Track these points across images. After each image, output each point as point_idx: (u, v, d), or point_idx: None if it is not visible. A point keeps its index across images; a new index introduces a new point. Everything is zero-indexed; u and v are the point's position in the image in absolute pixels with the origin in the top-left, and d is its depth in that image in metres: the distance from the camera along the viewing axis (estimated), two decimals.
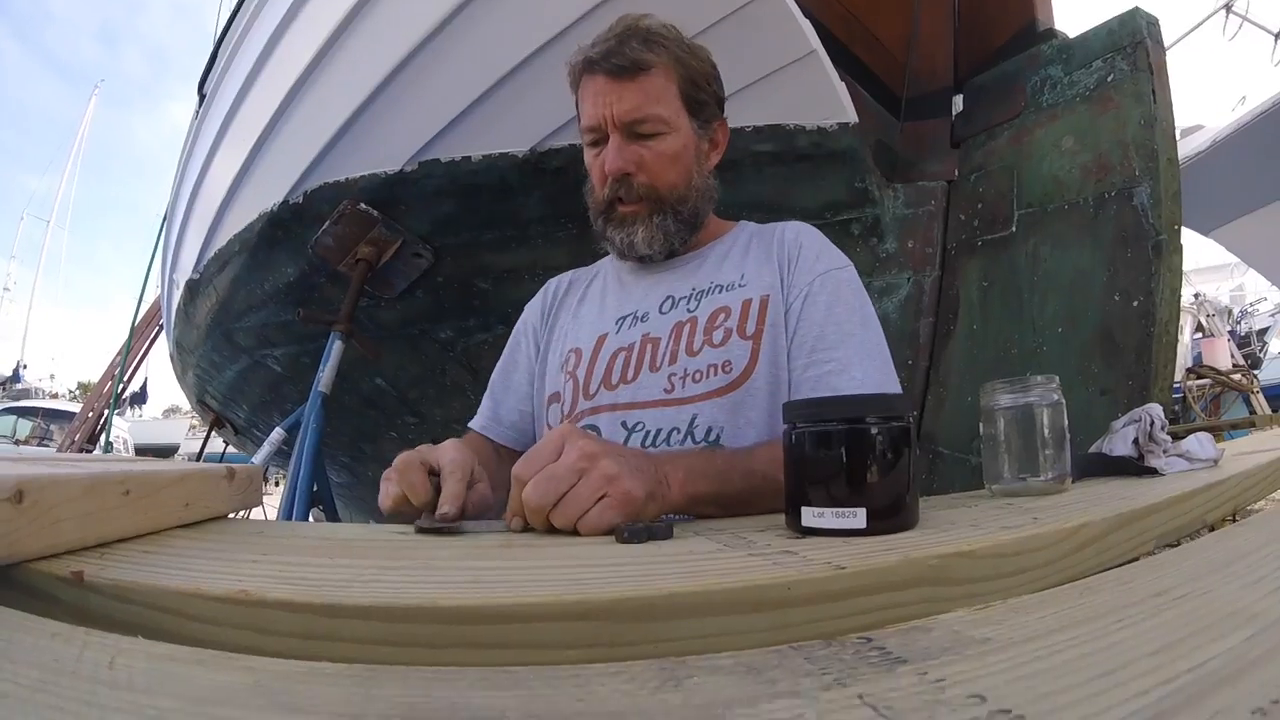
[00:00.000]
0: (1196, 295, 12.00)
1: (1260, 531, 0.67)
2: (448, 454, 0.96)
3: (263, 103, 3.30)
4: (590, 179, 1.35)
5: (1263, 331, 17.00)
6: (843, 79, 2.36)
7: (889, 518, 0.72)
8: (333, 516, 2.98)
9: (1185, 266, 1.97)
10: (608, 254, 1.52)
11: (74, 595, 0.51)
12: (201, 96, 4.27)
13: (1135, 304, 1.83)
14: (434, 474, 0.96)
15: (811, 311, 1.26)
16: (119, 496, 0.66)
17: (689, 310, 1.30)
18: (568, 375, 1.34)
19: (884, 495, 0.73)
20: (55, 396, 22.88)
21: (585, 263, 1.68)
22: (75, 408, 15.07)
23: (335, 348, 3.09)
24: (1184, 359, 8.32)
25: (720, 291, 1.31)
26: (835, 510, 0.71)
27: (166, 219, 5.27)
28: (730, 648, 0.44)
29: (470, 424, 1.48)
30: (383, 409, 4.06)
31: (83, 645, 0.39)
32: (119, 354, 7.84)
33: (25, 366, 25.73)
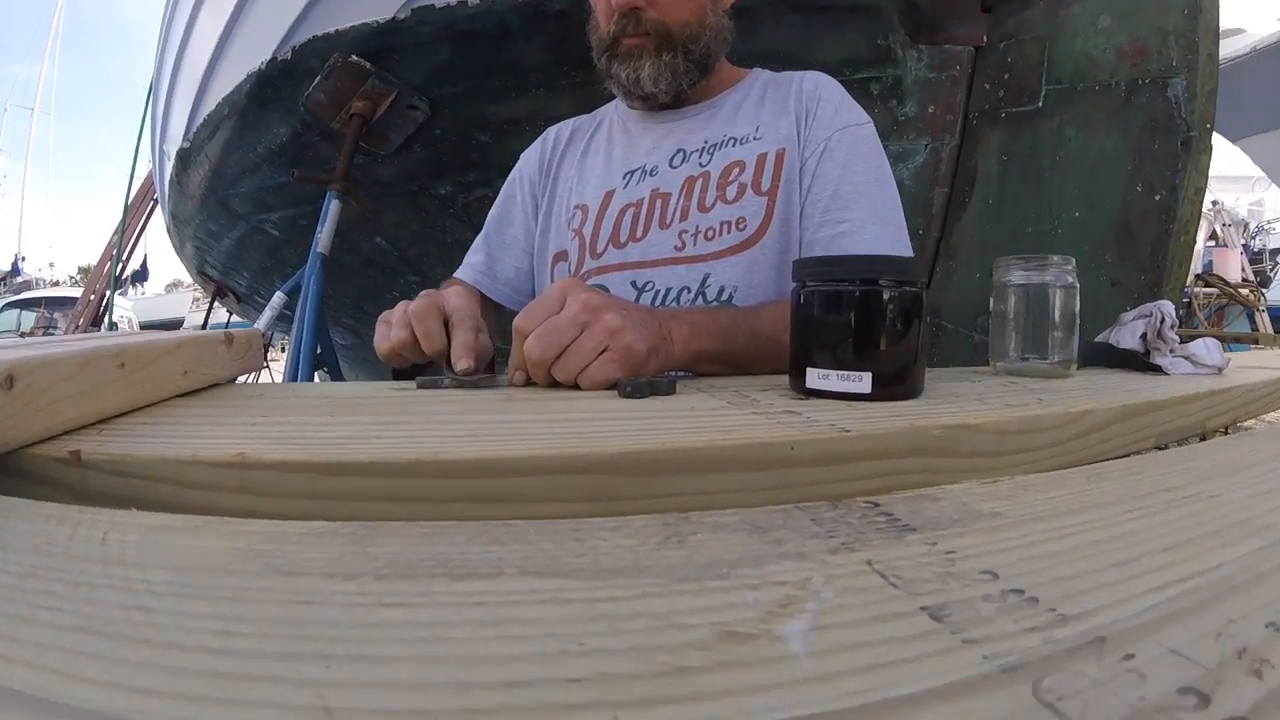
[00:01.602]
0: (1215, 202, 11.74)
1: (1270, 443, 0.67)
2: (453, 301, 0.95)
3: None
4: (595, 14, 1.28)
5: (1276, 251, 16.74)
6: None
7: (894, 384, 0.71)
8: (337, 377, 3.01)
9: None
10: (611, 100, 1.45)
11: (73, 476, 0.50)
12: None
13: (1157, 198, 1.78)
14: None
15: (828, 168, 1.22)
16: (114, 370, 0.65)
17: (701, 164, 1.25)
18: (574, 233, 1.31)
19: (891, 361, 0.72)
20: (56, 284, 22.78)
21: (589, 109, 1.59)
22: (76, 292, 14.91)
23: (332, 207, 3.04)
24: (1195, 264, 8.25)
25: (734, 145, 1.26)
26: (840, 373, 0.71)
27: (152, 89, 5.12)
28: (733, 505, 0.44)
29: (459, 274, 1.44)
30: (384, 268, 4.04)
31: (76, 524, 0.38)
32: (115, 233, 7.73)
33: (24, 259, 25.60)
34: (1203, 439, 0.86)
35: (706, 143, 1.27)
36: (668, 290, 1.20)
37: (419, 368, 0.97)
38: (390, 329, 0.95)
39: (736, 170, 1.23)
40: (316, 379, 2.98)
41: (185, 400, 0.77)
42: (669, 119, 1.32)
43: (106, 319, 7.92)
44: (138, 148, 6.26)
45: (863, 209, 1.20)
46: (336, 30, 2.88)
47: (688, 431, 0.54)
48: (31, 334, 15.51)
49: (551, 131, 1.49)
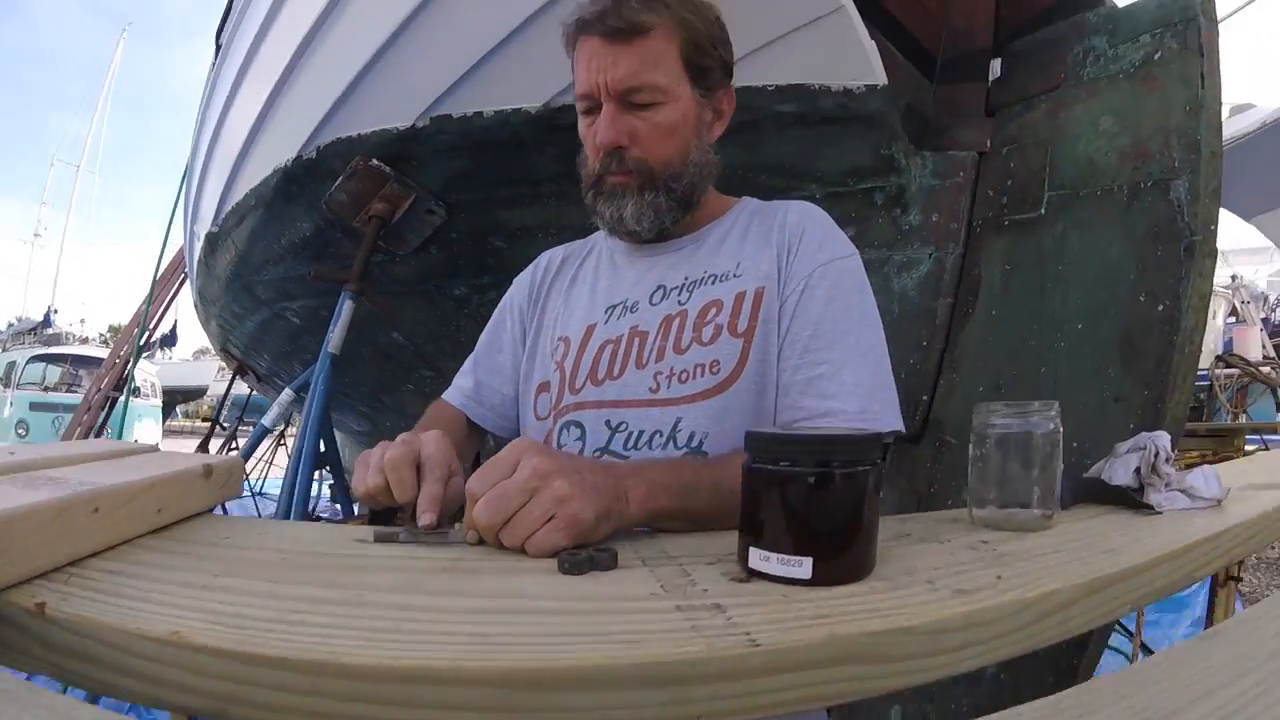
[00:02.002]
0: (1234, 277, 11.53)
1: (1236, 647, 0.64)
2: (428, 448, 0.95)
3: (275, 55, 3.28)
4: (584, 149, 1.29)
5: None
6: (873, 36, 2.26)
7: (839, 569, 0.68)
8: (339, 477, 3.02)
9: (1223, 246, 1.88)
10: None
11: (39, 626, 0.54)
12: (218, 46, 4.26)
13: (1160, 308, 1.76)
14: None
15: (808, 307, 1.20)
16: (88, 516, 0.68)
17: (680, 302, 1.24)
18: (556, 365, 1.31)
19: (836, 546, 0.69)
20: (86, 341, 23.44)
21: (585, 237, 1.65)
22: (103, 352, 15.41)
23: (346, 307, 3.10)
24: (1215, 345, 8.02)
25: (714, 282, 1.25)
26: (780, 557, 0.68)
27: (187, 170, 5.31)
28: None
29: (447, 395, 1.45)
30: (400, 363, 4.09)
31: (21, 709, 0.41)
32: (143, 302, 7.97)
33: (56, 311, 26.27)
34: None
35: (687, 279, 1.26)
36: (640, 433, 1.18)
37: (395, 509, 0.98)
38: (367, 473, 0.95)
39: (714, 310, 1.22)
40: (318, 476, 2.99)
41: (157, 539, 0.78)
42: (653, 253, 1.32)
43: (126, 389, 8.16)
44: (170, 222, 6.47)
45: (844, 347, 1.17)
46: (359, 134, 2.98)
47: (592, 640, 0.53)
48: (56, 388, 16.24)
49: (544, 258, 1.49)
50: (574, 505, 0.80)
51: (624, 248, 1.36)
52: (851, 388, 1.14)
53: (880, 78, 2.26)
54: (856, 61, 2.25)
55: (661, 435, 1.17)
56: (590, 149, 1.25)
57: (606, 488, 0.86)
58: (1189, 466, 1.14)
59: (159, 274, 7.73)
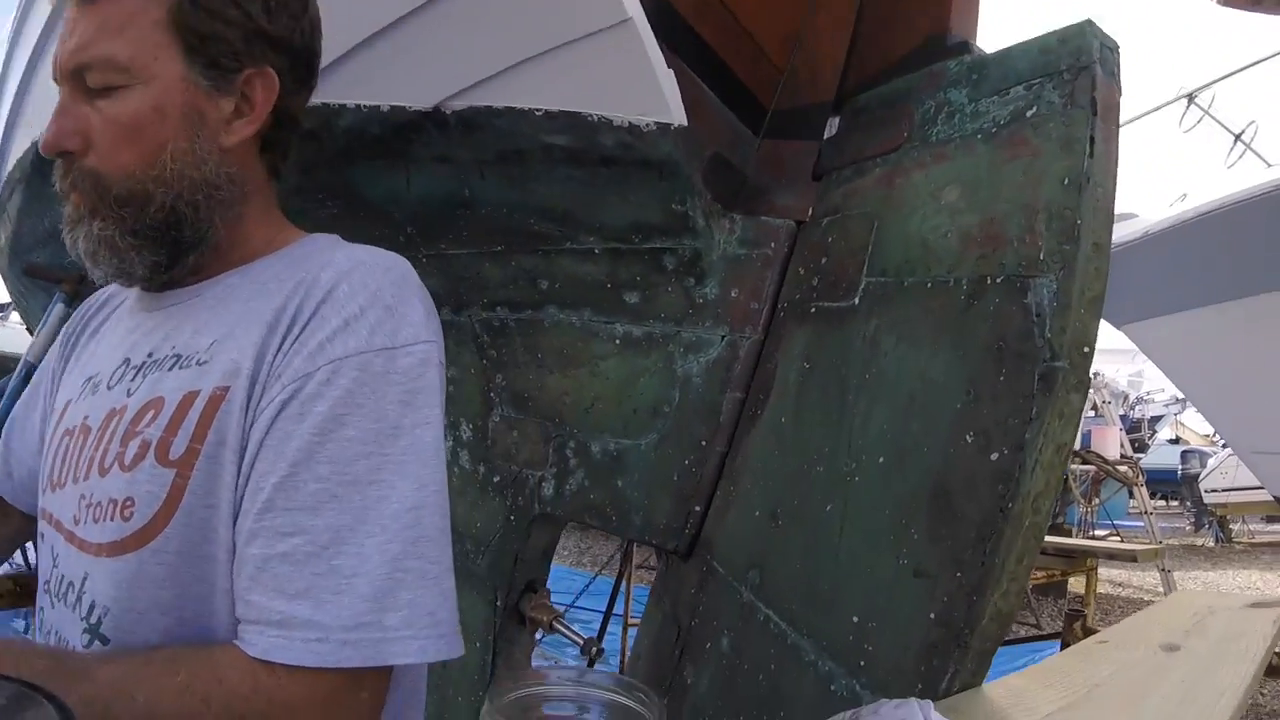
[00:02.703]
0: (1095, 374, 11.38)
1: None
2: None
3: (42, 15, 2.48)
4: None
5: (1155, 419, 16.03)
6: (674, 66, 1.51)
7: None
8: None
9: None
10: None
11: None
12: None
13: (994, 456, 1.00)
14: None
15: (289, 431, 0.63)
16: None
17: (128, 390, 0.72)
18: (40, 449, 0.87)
19: None
20: None
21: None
22: None
23: (56, 311, 2.18)
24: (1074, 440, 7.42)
25: (173, 367, 0.71)
26: None
27: None
28: None
29: None
30: None
31: None
32: None
33: None
34: None
35: (151, 354, 0.75)
36: (63, 579, 0.71)
37: None
38: None
39: (150, 414, 0.69)
40: None
41: None
42: (157, 304, 0.79)
43: None
44: None
45: (344, 511, 0.62)
46: None
47: None
48: None
49: (89, 300, 0.97)
50: None
51: (137, 292, 0.84)
52: (344, 582, 0.60)
53: (676, 116, 1.50)
54: (646, 92, 1.49)
55: (74, 590, 0.70)
56: None
57: None
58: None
59: None
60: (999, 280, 1.11)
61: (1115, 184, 1.14)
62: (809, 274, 1.55)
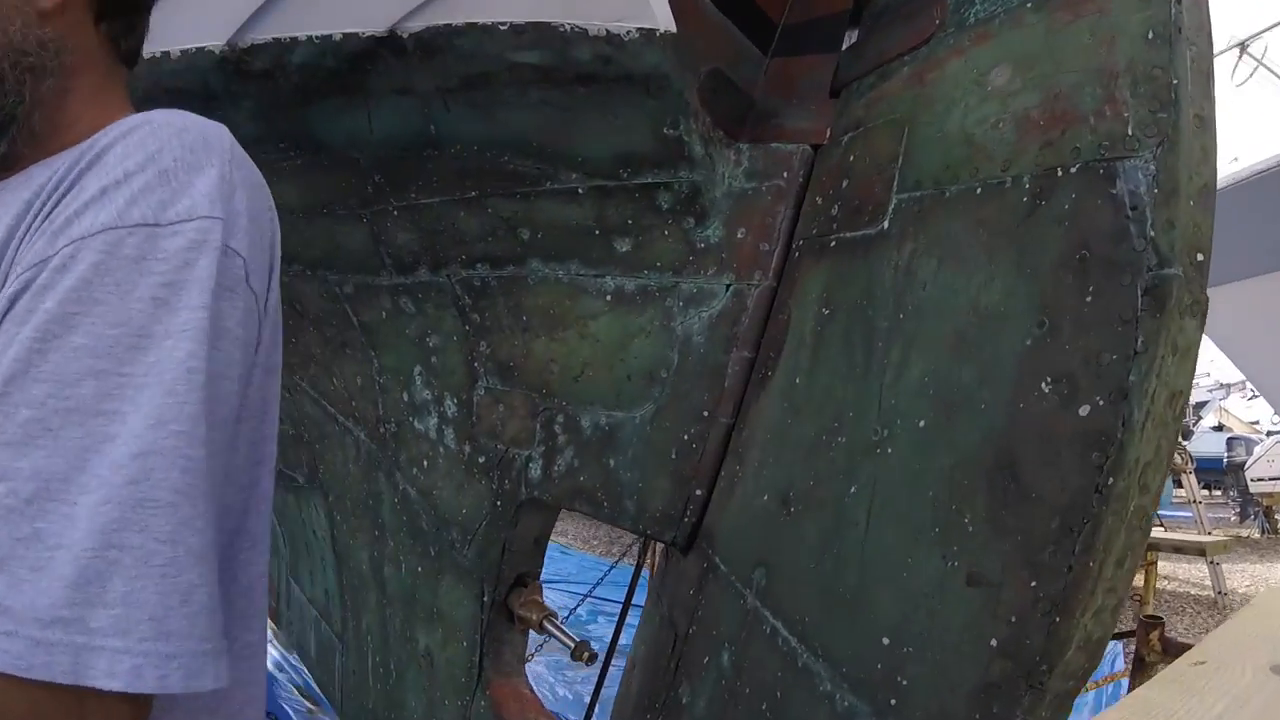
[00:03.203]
0: None
1: None
2: None
3: None
4: None
5: (1200, 405, 15.41)
6: None
7: None
8: None
9: None
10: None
11: None
12: None
13: (1083, 411, 0.68)
14: None
15: (11, 338, 0.45)
16: None
17: None
18: None
19: None
20: None
21: (319, 202, 1.32)
22: None
23: None
24: None
25: None
26: None
27: None
28: None
29: None
30: None
31: None
32: None
33: None
34: None
35: None
36: None
37: None
38: None
39: None
40: None
41: None
42: None
43: None
44: None
45: (54, 453, 0.44)
46: None
47: None
48: None
49: None
50: None
51: None
52: (47, 555, 0.42)
53: (662, 20, 1.21)
54: None
55: None
56: None
57: None
58: None
59: None
60: (1074, 169, 0.79)
61: (1211, 47, 0.80)
62: (827, 203, 1.24)
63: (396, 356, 1.85)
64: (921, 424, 0.84)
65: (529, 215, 1.52)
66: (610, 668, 3.56)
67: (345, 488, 2.14)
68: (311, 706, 3.93)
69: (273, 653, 4.48)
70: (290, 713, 3.87)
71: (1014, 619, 0.68)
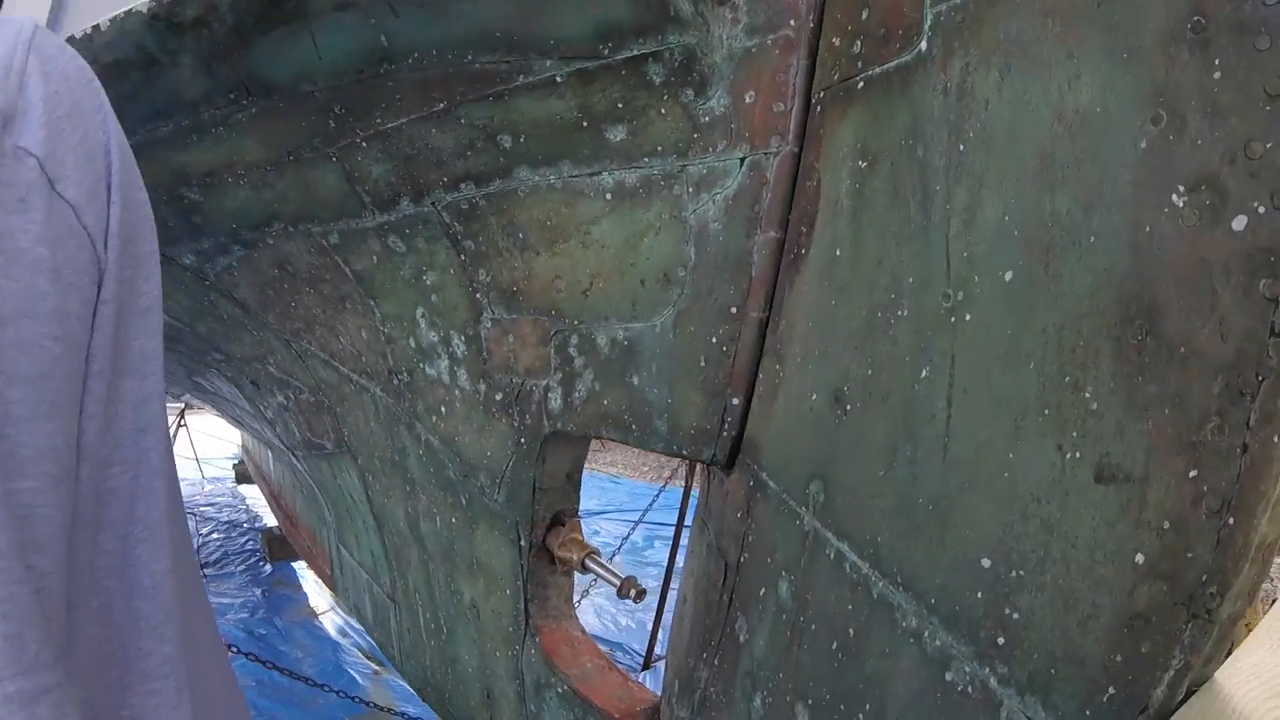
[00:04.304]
0: None
1: None
2: None
3: None
4: None
5: None
6: None
7: None
8: None
9: None
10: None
11: None
12: None
13: (1241, 219, 0.47)
14: None
15: None
16: None
17: None
18: None
19: None
20: None
21: (284, 149, 1.29)
22: None
23: None
24: None
25: None
26: None
27: None
28: None
29: None
30: (189, 346, 2.83)
31: None
32: None
33: None
34: None
35: None
36: None
37: None
38: None
39: None
40: None
41: None
42: None
43: None
44: None
45: None
46: None
47: None
48: None
49: None
50: None
51: None
52: None
53: None
54: None
55: None
56: None
57: None
58: None
59: None
60: None
61: None
62: (846, 42, 0.99)
63: (396, 302, 1.68)
64: (1008, 277, 0.63)
65: (506, 118, 1.31)
66: (670, 590, 3.50)
67: (371, 447, 2.02)
68: (377, 668, 3.99)
69: (335, 619, 4.58)
70: (356, 677, 3.92)
71: (1167, 525, 0.49)
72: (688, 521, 3.50)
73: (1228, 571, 0.46)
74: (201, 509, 7.05)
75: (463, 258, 1.51)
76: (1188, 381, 0.49)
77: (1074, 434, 0.54)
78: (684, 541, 3.63)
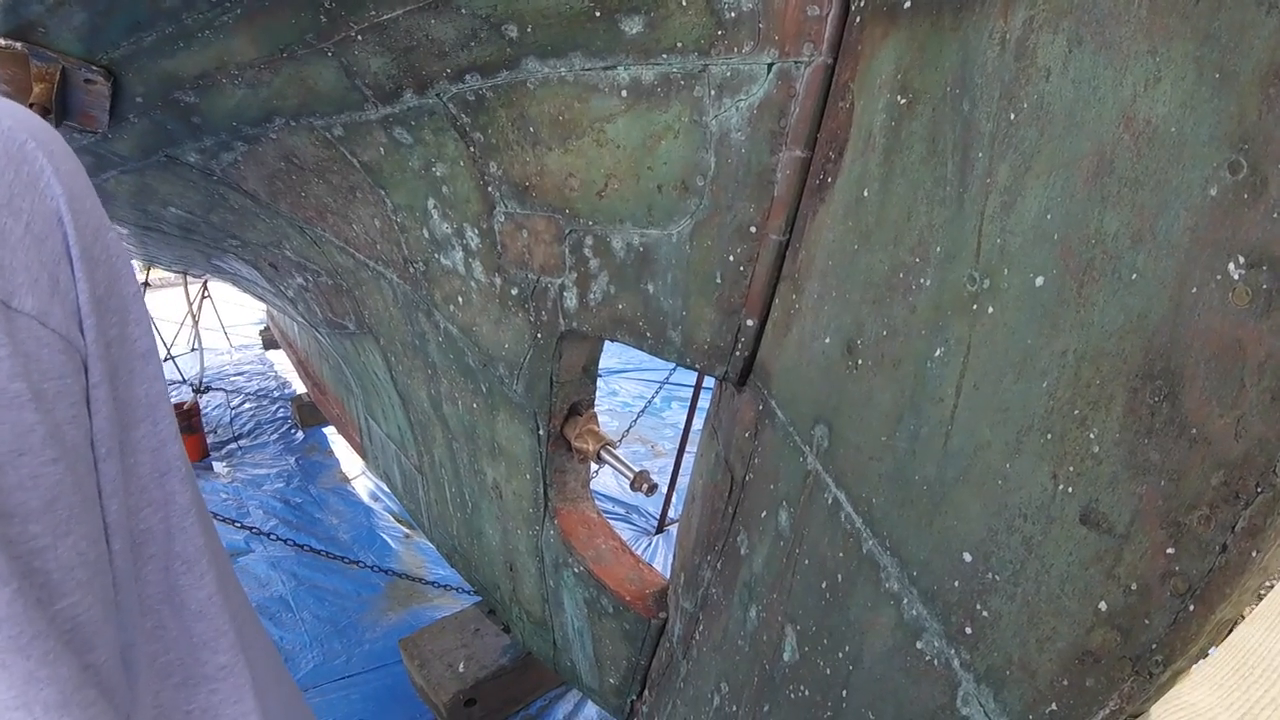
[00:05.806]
0: None
1: None
2: None
3: None
4: None
5: None
6: None
7: None
8: None
9: None
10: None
11: None
12: None
13: None
14: None
15: None
16: None
17: None
18: None
19: None
20: None
21: (276, 47, 1.25)
22: None
23: None
24: None
25: None
26: None
27: None
28: None
29: None
30: (205, 234, 2.79)
31: None
32: None
33: None
34: None
35: None
36: None
37: None
38: None
39: None
40: None
41: None
42: None
43: None
44: None
45: None
46: None
47: None
48: None
49: None
50: None
51: None
52: None
53: None
54: None
55: None
56: None
57: None
58: None
59: None
60: None
61: None
62: None
63: (407, 193, 1.61)
64: (1039, 281, 0.60)
65: (511, 6, 1.17)
66: (686, 454, 3.60)
67: (392, 330, 2.03)
68: (408, 531, 4.21)
69: (367, 483, 4.77)
70: (389, 540, 4.11)
71: (1134, 587, 0.50)
72: (706, 384, 3.57)
73: (1175, 649, 0.48)
74: (232, 379, 7.12)
75: (472, 150, 1.42)
76: (1190, 464, 0.48)
77: (1070, 469, 0.55)
78: (702, 404, 3.72)
